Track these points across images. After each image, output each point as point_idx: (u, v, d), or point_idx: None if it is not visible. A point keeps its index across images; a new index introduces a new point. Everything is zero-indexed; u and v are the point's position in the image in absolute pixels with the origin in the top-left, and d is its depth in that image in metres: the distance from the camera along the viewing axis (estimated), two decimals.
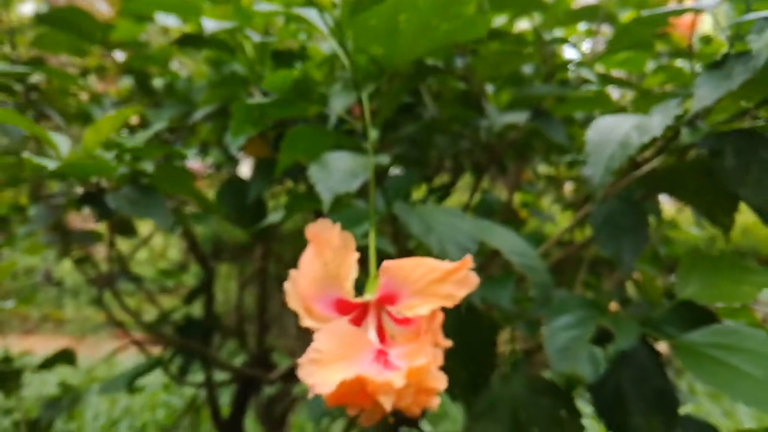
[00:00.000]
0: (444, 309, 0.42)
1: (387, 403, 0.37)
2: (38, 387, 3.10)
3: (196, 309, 1.63)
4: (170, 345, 1.33)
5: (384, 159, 0.51)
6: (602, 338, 0.54)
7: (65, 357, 1.41)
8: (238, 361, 3.16)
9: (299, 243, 0.51)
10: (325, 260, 0.41)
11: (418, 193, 1.53)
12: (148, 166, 0.64)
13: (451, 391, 0.65)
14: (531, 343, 0.73)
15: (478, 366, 0.66)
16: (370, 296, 0.42)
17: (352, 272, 0.41)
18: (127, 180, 0.64)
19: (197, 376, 1.73)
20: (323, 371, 0.37)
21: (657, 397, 0.58)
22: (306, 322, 0.41)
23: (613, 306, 0.68)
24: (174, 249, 2.56)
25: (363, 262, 0.42)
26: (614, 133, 0.54)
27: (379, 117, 0.83)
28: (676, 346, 0.52)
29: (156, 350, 1.49)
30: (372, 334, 0.42)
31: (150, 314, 1.64)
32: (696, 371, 0.49)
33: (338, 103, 0.68)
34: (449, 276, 0.39)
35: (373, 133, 0.56)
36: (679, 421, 0.56)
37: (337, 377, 0.36)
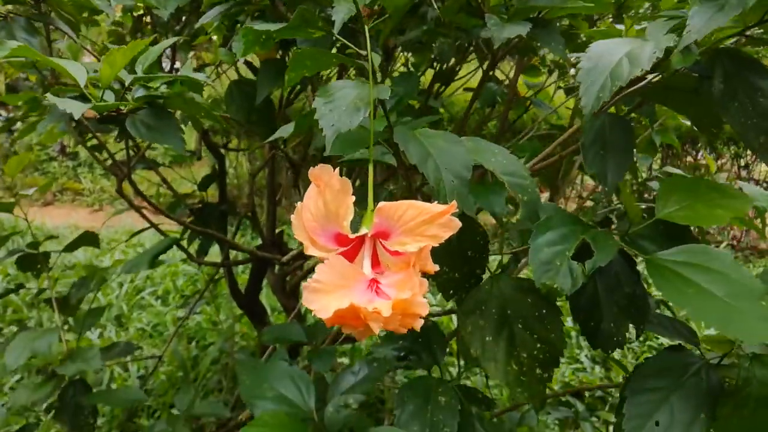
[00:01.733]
0: None
1: (376, 328, 0.43)
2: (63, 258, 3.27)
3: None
4: (188, 228, 1.40)
5: (385, 91, 0.53)
6: (585, 252, 0.59)
7: (88, 239, 1.50)
8: (253, 243, 3.28)
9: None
10: (325, 200, 0.46)
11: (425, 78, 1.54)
12: (163, 88, 0.67)
13: (446, 292, 0.72)
14: (520, 247, 0.79)
15: (470, 268, 0.72)
16: (365, 231, 0.47)
17: (350, 213, 0.46)
18: (143, 101, 0.67)
19: (215, 258, 1.83)
20: (323, 299, 0.43)
21: (629, 304, 0.65)
22: (310, 251, 0.47)
23: None
24: (187, 138, 2.59)
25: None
26: (606, 61, 0.56)
27: (386, 25, 0.83)
28: (648, 262, 0.58)
29: (174, 231, 1.57)
30: (367, 264, 0.48)
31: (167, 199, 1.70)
32: (663, 287, 0.55)
33: (340, 14, 0.69)
34: (435, 219, 0.44)
35: (376, 59, 0.58)
36: (648, 322, 0.63)
37: (334, 305, 0.42)
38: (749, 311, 0.53)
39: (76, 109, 0.55)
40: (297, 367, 0.76)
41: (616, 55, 0.56)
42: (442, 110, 1.62)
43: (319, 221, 0.47)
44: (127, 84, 0.65)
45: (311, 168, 0.46)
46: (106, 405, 1.43)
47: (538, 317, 0.69)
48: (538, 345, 0.69)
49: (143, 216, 1.40)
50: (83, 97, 0.64)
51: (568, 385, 2.32)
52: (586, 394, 2.22)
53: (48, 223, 4.40)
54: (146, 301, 2.87)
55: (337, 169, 0.46)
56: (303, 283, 0.44)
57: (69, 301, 1.45)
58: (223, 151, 1.65)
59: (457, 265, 0.71)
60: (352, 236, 0.47)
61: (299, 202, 0.48)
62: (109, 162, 1.22)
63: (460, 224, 0.44)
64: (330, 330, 1.01)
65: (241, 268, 3.00)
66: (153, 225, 1.43)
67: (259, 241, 1.69)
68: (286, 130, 0.71)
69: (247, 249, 1.44)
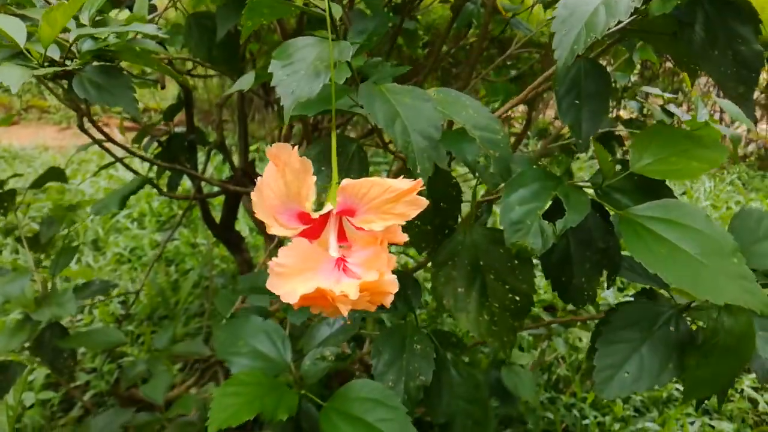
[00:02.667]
0: None
1: (344, 310, 0.42)
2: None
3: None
4: (155, 165, 1.37)
5: (346, 51, 0.49)
6: (558, 208, 0.58)
7: (55, 175, 1.46)
8: (225, 168, 3.20)
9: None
10: (286, 180, 0.44)
11: None
12: (112, 38, 0.61)
13: (419, 245, 0.71)
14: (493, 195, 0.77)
15: (443, 220, 0.71)
16: (329, 208, 0.45)
17: (312, 193, 0.45)
18: (91, 56, 0.63)
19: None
20: (288, 283, 0.42)
21: (601, 259, 0.65)
22: (273, 230, 0.45)
23: None
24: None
25: None
26: (582, 11, 0.53)
27: None
28: (621, 218, 0.57)
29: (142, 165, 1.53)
30: (333, 242, 0.46)
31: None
32: (634, 248, 0.54)
33: None
34: (401, 197, 0.43)
35: (337, 10, 0.54)
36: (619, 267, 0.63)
37: (300, 289, 0.41)
38: (720, 269, 0.53)
39: (15, 79, 0.51)
40: (271, 322, 0.76)
41: (592, 4, 0.53)
42: (420, 18, 1.56)
43: (280, 200, 0.45)
44: (71, 40, 0.60)
45: (268, 147, 0.43)
46: (84, 348, 1.44)
47: (510, 268, 0.69)
48: (510, 295, 0.69)
49: (109, 152, 1.36)
50: (23, 56, 0.59)
51: (543, 300, 2.38)
52: (559, 307, 2.29)
53: (15, 144, 4.28)
54: (122, 224, 2.85)
55: (296, 148, 0.43)
56: (268, 263, 0.43)
57: (39, 239, 1.43)
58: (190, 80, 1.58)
59: (428, 217, 0.70)
60: (315, 216, 0.46)
61: (258, 180, 0.45)
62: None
63: (427, 203, 0.42)
64: None
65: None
66: (119, 160, 1.39)
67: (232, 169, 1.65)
68: (246, 82, 0.67)
69: (220, 184, 1.41)
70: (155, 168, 1.51)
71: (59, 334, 1.15)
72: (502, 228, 0.63)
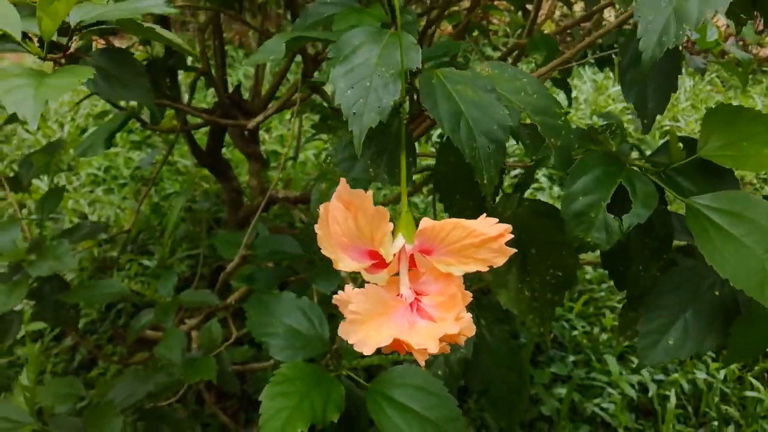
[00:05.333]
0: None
1: (422, 360, 0.40)
2: None
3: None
4: None
5: (414, 51, 0.44)
6: (619, 196, 0.55)
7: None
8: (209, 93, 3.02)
9: None
10: (358, 223, 0.41)
11: None
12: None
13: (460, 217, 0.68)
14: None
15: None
16: (403, 245, 0.42)
17: (388, 240, 0.42)
18: (93, 33, 0.55)
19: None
20: (361, 330, 0.40)
21: (659, 247, 0.63)
22: (341, 266, 0.42)
23: None
24: None
25: None
26: None
27: None
28: (688, 207, 0.54)
29: None
30: (404, 281, 0.43)
31: None
32: (698, 237, 0.52)
33: None
34: (486, 243, 0.40)
35: None
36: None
37: (374, 338, 0.39)
38: None
39: (31, 111, 0.44)
40: (306, 299, 0.73)
41: None
42: None
43: (350, 239, 0.42)
44: (73, 25, 0.52)
45: (338, 190, 0.39)
46: (86, 303, 1.40)
47: (554, 243, 0.66)
48: (551, 270, 0.67)
49: None
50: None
51: None
52: None
53: None
54: None
55: (370, 194, 0.39)
56: (342, 321, 0.40)
57: (20, 180, 1.35)
58: None
59: (469, 191, 0.66)
60: (390, 258, 0.42)
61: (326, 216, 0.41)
62: None
63: (514, 251, 0.39)
64: None
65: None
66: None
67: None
68: (273, 50, 0.60)
69: (207, 117, 1.33)
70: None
71: (60, 288, 1.12)
72: (546, 202, 0.60)
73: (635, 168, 0.58)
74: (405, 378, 0.64)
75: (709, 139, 0.57)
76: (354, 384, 0.69)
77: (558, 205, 0.65)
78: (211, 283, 1.88)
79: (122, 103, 1.32)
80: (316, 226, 0.42)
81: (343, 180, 0.40)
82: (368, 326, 0.39)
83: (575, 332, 1.91)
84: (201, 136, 1.88)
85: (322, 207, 0.41)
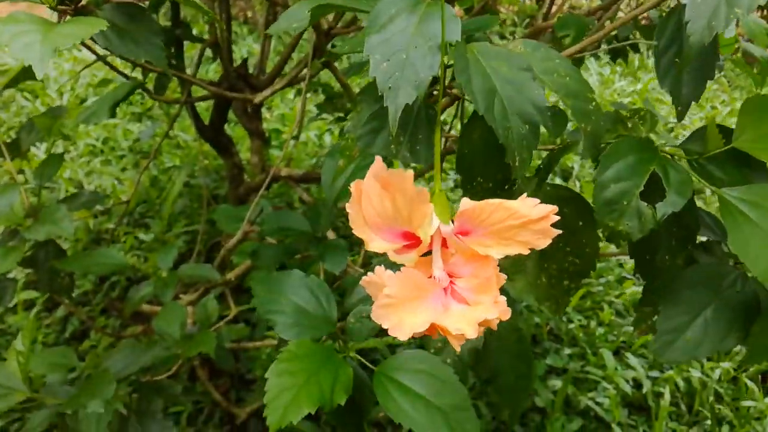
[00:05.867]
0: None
1: (457, 345, 0.39)
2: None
3: None
4: (142, 68, 1.24)
5: (455, 23, 0.41)
6: (650, 184, 0.53)
7: (29, 74, 1.33)
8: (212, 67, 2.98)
9: None
10: (396, 205, 0.39)
11: None
12: None
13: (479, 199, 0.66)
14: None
15: (505, 174, 0.65)
16: (439, 226, 0.40)
17: (427, 222, 0.39)
18: None
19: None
20: (395, 314, 0.38)
21: (686, 235, 0.61)
22: (372, 246, 0.41)
23: None
24: None
25: None
26: None
27: None
28: (721, 198, 0.52)
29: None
30: (438, 263, 0.41)
31: None
32: (732, 231, 0.50)
33: None
34: (529, 225, 0.38)
35: None
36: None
37: (409, 322, 0.37)
38: None
39: (37, 56, 0.41)
40: (314, 277, 0.71)
41: None
42: None
43: (384, 220, 0.40)
44: None
45: (373, 169, 0.37)
46: (82, 271, 1.37)
47: (574, 229, 0.64)
48: (570, 258, 0.65)
49: (90, 50, 1.23)
50: None
51: None
52: None
53: None
54: None
55: (411, 174, 0.37)
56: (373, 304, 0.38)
57: (19, 146, 1.32)
58: None
59: (491, 172, 0.64)
60: (428, 240, 0.40)
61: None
62: None
63: (558, 232, 0.37)
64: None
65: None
66: (101, 59, 1.26)
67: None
68: (296, 17, 0.58)
69: (214, 89, 1.31)
70: (139, 68, 1.39)
71: (55, 254, 1.09)
72: (568, 187, 0.58)
73: (667, 155, 0.56)
74: (413, 363, 0.62)
75: (745, 129, 0.55)
76: (360, 366, 0.67)
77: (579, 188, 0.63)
78: (208, 260, 1.86)
79: (128, 71, 1.28)
80: (347, 205, 0.39)
81: (378, 158, 0.38)
82: (403, 310, 0.37)
83: (572, 325, 1.90)
84: (202, 111, 1.85)
85: (353, 185, 0.39)
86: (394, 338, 0.68)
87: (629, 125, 0.58)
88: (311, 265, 0.99)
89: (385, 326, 0.37)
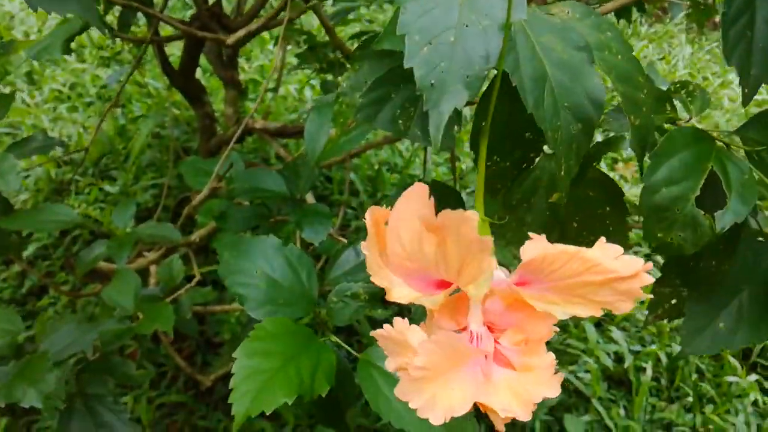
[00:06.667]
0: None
1: (501, 427, 0.30)
2: None
3: None
4: None
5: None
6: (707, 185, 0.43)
7: None
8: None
9: None
10: (446, 253, 0.29)
11: None
12: None
13: (493, 188, 0.56)
14: None
15: (524, 152, 0.55)
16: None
17: (484, 281, 0.30)
18: None
19: None
20: (428, 389, 0.30)
21: (732, 236, 0.51)
22: (394, 296, 0.31)
23: None
24: None
25: None
26: None
27: None
28: None
29: None
30: (477, 316, 0.32)
31: None
32: None
33: None
34: (613, 283, 0.28)
35: None
36: None
37: (447, 401, 0.29)
38: None
39: None
40: (294, 247, 0.61)
41: None
42: None
43: (419, 267, 0.30)
44: None
45: (408, 195, 0.28)
46: (31, 230, 1.25)
47: (599, 215, 0.55)
48: None
49: None
50: None
51: None
52: None
53: None
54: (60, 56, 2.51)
55: (474, 215, 0.28)
56: (401, 373, 0.30)
57: None
58: None
59: (508, 150, 0.54)
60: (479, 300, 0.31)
61: None
62: None
63: (648, 297, 0.29)
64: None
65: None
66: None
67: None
68: None
69: (183, 28, 1.18)
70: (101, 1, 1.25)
71: (3, 211, 0.97)
72: (596, 168, 0.49)
73: (723, 145, 0.47)
74: None
75: None
76: (341, 352, 0.58)
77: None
78: (175, 216, 1.75)
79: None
80: (363, 244, 0.31)
81: (421, 186, 0.28)
82: (436, 385, 0.29)
83: None
84: (175, 60, 1.71)
85: (370, 213, 0.30)
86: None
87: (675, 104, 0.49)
88: (282, 229, 0.89)
89: (413, 405, 0.29)
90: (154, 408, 1.46)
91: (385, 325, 0.31)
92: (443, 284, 0.31)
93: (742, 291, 0.55)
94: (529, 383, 0.29)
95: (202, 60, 2.11)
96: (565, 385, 1.61)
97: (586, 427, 1.50)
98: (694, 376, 1.65)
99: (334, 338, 0.57)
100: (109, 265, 1.36)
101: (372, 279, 0.31)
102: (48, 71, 2.40)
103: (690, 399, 1.60)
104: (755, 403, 1.61)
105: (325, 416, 0.57)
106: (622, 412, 1.55)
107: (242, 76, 2.25)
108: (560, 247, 0.29)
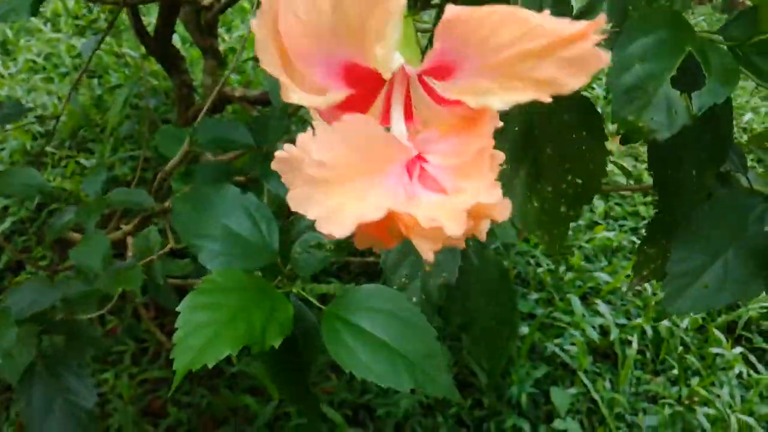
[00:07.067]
0: None
1: (428, 252, 0.25)
2: None
3: None
4: None
5: None
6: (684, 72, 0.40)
7: None
8: None
9: None
10: (342, 6, 0.23)
11: None
12: None
13: None
14: None
15: None
16: (411, 67, 0.26)
17: (390, 30, 0.23)
18: None
19: None
20: (331, 196, 0.23)
21: (718, 147, 0.49)
22: (291, 93, 0.25)
23: None
24: None
25: None
26: None
27: None
28: None
29: None
30: (398, 120, 0.27)
31: None
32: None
33: None
34: (557, 48, 0.22)
35: None
36: None
37: (353, 209, 0.23)
38: None
39: None
40: (252, 196, 0.57)
41: None
42: None
43: (318, 38, 0.24)
44: None
45: None
46: None
47: (576, 140, 0.52)
48: (569, 177, 0.53)
49: None
50: None
51: None
52: None
53: None
54: (34, 25, 2.44)
55: None
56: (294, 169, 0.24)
57: None
58: None
59: None
60: (388, 75, 0.25)
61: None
62: None
63: (607, 60, 0.22)
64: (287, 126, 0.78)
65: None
66: None
67: None
68: None
69: None
70: None
71: None
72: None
73: (706, 36, 0.44)
74: (372, 301, 0.50)
75: None
76: (306, 305, 0.55)
77: None
78: (156, 188, 1.71)
79: None
80: (252, 23, 0.24)
81: None
82: (343, 189, 0.23)
83: (540, 269, 1.82)
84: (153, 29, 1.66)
85: None
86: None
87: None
88: (253, 189, 0.85)
89: (311, 215, 0.23)
90: (135, 384, 1.43)
91: (285, 145, 0.24)
92: (351, 74, 0.26)
93: (727, 249, 0.52)
94: (460, 198, 0.24)
95: (183, 30, 2.06)
96: (552, 357, 1.59)
97: (572, 400, 1.48)
98: (680, 349, 1.64)
99: (297, 289, 0.54)
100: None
101: (264, 66, 0.24)
102: (22, 41, 2.34)
103: (675, 372, 1.59)
104: (740, 375, 1.60)
105: (281, 371, 0.54)
106: (607, 384, 1.54)
107: (222, 47, 2.20)
108: (488, 7, 0.22)
